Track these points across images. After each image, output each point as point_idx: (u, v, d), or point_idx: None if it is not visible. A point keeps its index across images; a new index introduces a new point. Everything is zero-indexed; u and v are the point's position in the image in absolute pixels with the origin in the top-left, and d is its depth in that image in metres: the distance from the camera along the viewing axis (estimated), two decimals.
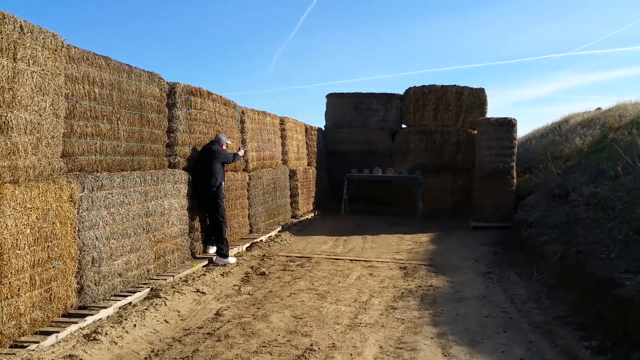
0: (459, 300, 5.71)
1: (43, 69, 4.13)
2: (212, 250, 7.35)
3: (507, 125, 11.45)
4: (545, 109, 57.66)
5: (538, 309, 5.32)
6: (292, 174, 11.79)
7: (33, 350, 3.74)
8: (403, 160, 14.14)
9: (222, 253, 7.15)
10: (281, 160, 11.35)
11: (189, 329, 4.59)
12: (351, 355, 4.05)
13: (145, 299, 5.25)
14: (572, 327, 4.64)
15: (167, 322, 4.74)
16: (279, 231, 10.03)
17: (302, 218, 12.11)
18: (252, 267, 7.05)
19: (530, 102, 57.71)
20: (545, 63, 66.72)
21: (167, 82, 6.49)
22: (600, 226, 6.60)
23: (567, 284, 5.76)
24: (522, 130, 26.01)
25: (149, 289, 5.43)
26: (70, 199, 4.44)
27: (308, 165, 13.56)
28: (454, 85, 14.10)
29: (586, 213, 7.49)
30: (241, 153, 7.97)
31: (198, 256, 7.11)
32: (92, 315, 4.52)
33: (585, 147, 11.60)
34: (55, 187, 4.26)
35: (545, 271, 6.47)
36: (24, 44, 3.90)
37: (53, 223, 4.22)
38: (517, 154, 11.92)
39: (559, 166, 11.08)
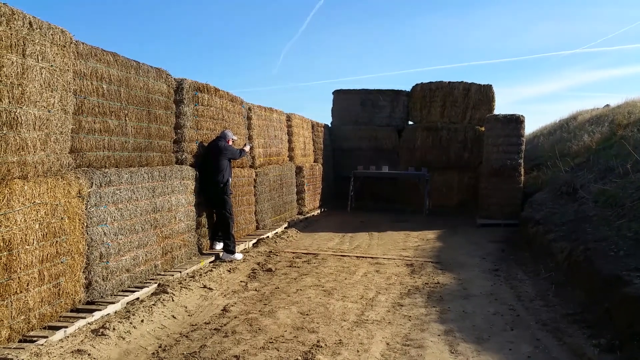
0: (465, 297, 5.69)
1: (52, 65, 4.15)
2: (219, 246, 7.37)
3: (515, 122, 11.39)
4: (553, 106, 57.41)
5: (545, 306, 5.30)
6: (299, 170, 11.79)
7: (42, 345, 3.77)
8: (409, 157, 14.10)
9: (229, 249, 7.17)
10: (288, 156, 11.35)
11: (196, 325, 4.61)
12: (358, 352, 4.05)
13: (152, 294, 5.28)
14: (580, 325, 4.61)
15: (175, 318, 4.77)
16: (285, 228, 10.04)
17: (309, 215, 12.12)
18: (258, 264, 7.07)
19: (538, 99, 57.44)
20: (553, 60, 66.27)
21: (174, 79, 6.49)
22: (609, 224, 6.55)
23: (575, 281, 5.73)
24: (530, 127, 25.89)
25: (156, 285, 5.46)
26: (78, 195, 4.47)
27: (314, 161, 13.55)
28: (462, 81, 14.01)
29: (594, 210, 7.44)
30: (247, 149, 7.96)
31: (205, 252, 7.13)
32: (100, 310, 4.55)
33: (594, 144, 11.51)
34: (64, 183, 4.28)
35: (553, 269, 6.43)
36: (33, 40, 3.91)
37: (61, 218, 4.25)
38: (525, 151, 11.85)
39: (567, 163, 11.01)
